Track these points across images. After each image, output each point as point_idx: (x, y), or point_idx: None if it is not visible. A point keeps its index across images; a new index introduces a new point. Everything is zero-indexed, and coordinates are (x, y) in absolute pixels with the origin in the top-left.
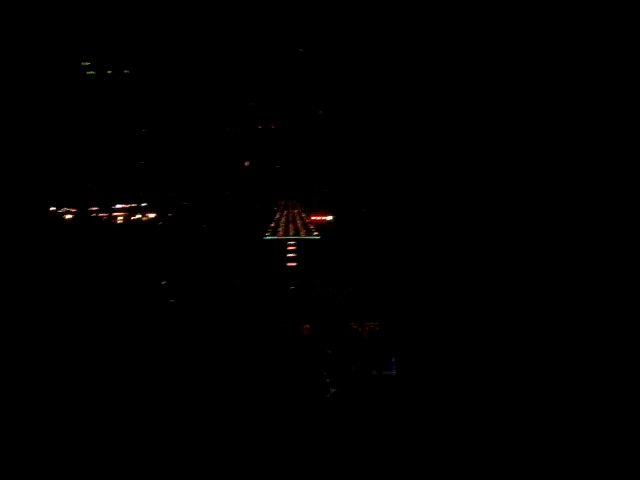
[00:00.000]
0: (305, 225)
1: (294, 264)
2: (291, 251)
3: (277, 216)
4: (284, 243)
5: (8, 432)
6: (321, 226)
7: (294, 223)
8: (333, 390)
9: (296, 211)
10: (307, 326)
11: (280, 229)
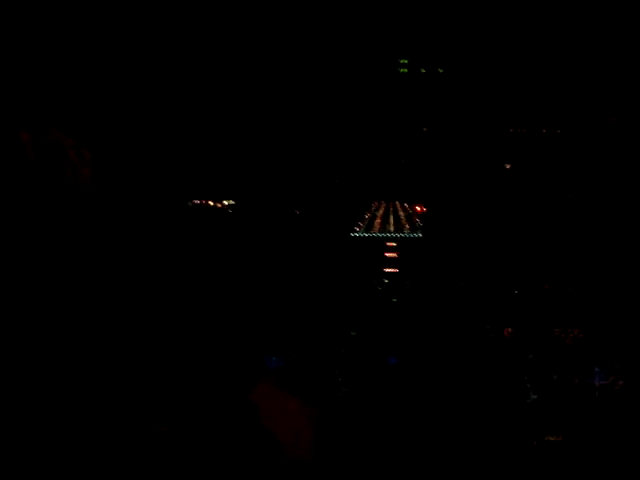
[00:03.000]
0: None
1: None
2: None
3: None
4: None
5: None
6: None
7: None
8: (534, 397)
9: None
10: (509, 329)
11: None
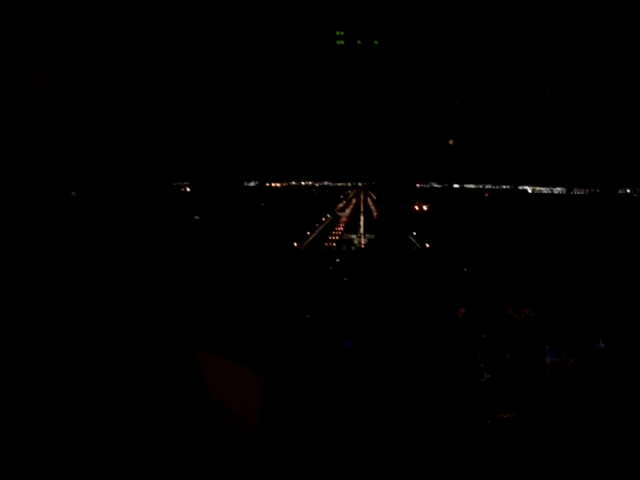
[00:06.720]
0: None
1: None
2: None
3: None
4: None
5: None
6: None
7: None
8: (487, 376)
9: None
10: (462, 310)
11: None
